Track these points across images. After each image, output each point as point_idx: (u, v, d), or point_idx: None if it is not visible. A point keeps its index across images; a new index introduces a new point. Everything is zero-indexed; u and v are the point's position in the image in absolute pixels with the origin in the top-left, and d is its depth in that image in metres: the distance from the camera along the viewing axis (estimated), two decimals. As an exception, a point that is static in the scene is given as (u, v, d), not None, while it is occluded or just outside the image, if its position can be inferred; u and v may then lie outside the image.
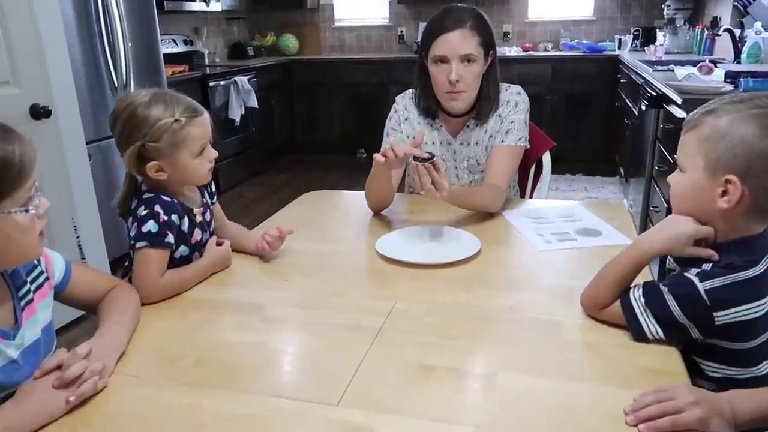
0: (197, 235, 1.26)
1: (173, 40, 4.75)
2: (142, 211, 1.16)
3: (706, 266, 0.91)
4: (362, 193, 1.59)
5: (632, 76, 3.89)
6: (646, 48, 4.81)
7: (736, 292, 0.87)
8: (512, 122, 1.62)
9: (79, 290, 1.04)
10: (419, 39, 1.69)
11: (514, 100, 1.65)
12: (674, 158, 2.52)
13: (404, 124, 1.69)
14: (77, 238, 2.45)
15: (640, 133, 3.44)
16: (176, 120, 1.14)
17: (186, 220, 1.23)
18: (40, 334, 0.93)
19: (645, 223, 3.08)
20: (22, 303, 0.92)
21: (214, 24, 5.54)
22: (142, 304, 1.08)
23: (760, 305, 0.87)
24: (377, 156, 1.39)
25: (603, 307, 0.98)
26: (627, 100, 4.11)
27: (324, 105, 5.60)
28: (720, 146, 0.86)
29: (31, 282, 0.94)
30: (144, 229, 1.14)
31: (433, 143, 1.71)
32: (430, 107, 1.66)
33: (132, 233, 1.16)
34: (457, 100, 1.58)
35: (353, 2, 5.90)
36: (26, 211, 0.83)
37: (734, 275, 0.88)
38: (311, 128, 5.71)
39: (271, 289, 1.18)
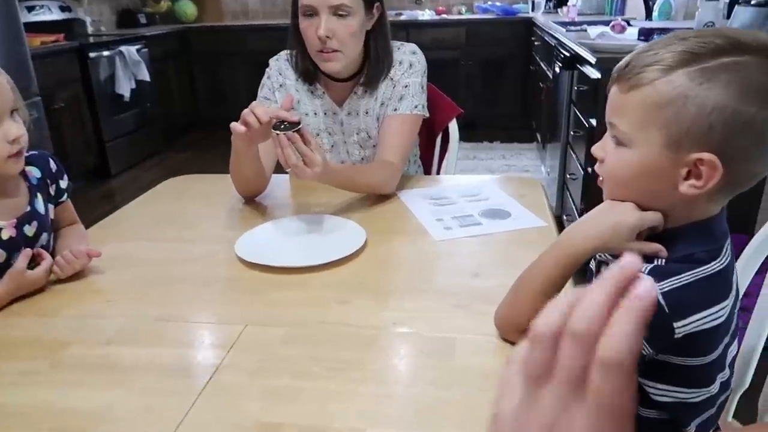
0: None
1: (47, 7, 4.19)
2: None
3: (659, 261, 0.69)
4: None
5: (546, 38, 3.76)
6: (559, 10, 4.70)
7: (699, 293, 0.66)
8: (406, 86, 1.38)
9: None
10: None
11: (407, 61, 1.40)
12: (591, 123, 2.39)
13: (279, 91, 1.41)
14: None
15: (555, 96, 3.31)
16: None
17: None
18: None
19: (562, 191, 2.95)
20: None
21: (97, -12, 4.96)
22: None
23: (722, 308, 0.67)
24: (236, 126, 1.11)
25: (526, 329, 0.74)
26: (542, 64, 3.98)
27: (229, 76, 5.16)
28: (687, 114, 0.62)
29: None
30: None
31: (315, 114, 1.44)
32: (308, 69, 1.39)
33: None
34: (332, 60, 1.30)
35: (254, -37, 5.45)
36: None
37: (695, 271, 0.66)
38: (216, 101, 5.27)
39: (83, 318, 0.89)
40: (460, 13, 5.18)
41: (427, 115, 1.42)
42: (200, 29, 5.23)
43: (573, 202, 2.67)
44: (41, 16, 4.07)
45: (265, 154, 1.28)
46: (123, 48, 4.14)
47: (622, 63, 0.69)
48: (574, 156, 2.70)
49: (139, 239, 1.18)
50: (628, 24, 3.09)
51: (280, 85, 1.41)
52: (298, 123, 1.06)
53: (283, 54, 1.44)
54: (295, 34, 1.34)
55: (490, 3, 5.12)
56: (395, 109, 1.37)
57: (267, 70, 1.44)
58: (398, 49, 1.41)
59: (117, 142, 4.18)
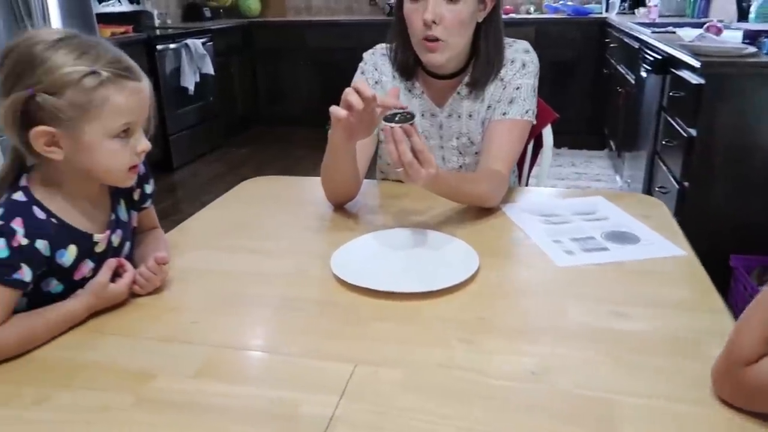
0: (86, 269, 0.85)
1: (117, -2, 4.22)
2: None
3: None
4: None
5: (626, 40, 3.53)
6: (635, 11, 4.45)
7: None
8: (518, 89, 1.23)
9: None
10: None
11: (520, 60, 1.26)
12: (689, 132, 2.17)
13: (374, 89, 1.28)
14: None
15: (638, 102, 3.09)
16: (94, 72, 0.75)
17: (71, 250, 0.82)
18: None
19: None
20: None
21: (165, -19, 4.98)
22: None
23: None
24: (336, 109, 0.98)
25: None
26: (619, 67, 3.75)
27: (289, 72, 5.11)
28: None
29: None
30: None
31: (412, 116, 1.30)
32: (408, 63, 1.25)
33: None
34: (435, 51, 1.16)
35: (320, -41, 5.37)
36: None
37: None
38: (276, 98, 5.23)
39: (167, 342, 0.78)
40: (528, 12, 4.98)
41: (536, 122, 1.27)
42: (263, 24, 5.19)
43: (662, 217, 2.46)
44: (111, 7, 4.09)
45: (358, 153, 1.15)
46: (189, 41, 4.12)
47: None
48: (664, 167, 2.49)
49: (218, 249, 1.07)
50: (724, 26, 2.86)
51: (376, 82, 1.28)
52: (413, 115, 0.93)
53: (379, 48, 1.31)
54: (398, 25, 1.21)
55: (561, 2, 4.90)
56: (504, 113, 1.22)
57: (361, 64, 1.32)
58: (510, 46, 1.26)
59: (180, 135, 4.17)
